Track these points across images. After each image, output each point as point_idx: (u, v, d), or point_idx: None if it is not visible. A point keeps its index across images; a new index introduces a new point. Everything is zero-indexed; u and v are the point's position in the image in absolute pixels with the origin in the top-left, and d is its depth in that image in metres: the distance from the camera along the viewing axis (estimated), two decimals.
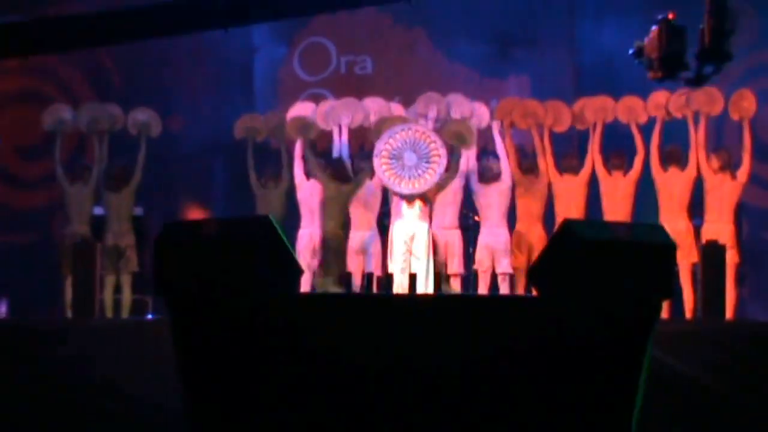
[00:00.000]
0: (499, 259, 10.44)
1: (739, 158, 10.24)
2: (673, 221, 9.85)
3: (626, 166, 10.51)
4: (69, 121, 11.09)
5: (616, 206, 10.38)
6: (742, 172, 10.21)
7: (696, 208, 10.37)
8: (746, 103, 10.34)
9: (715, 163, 10.25)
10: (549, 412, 4.84)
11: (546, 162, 10.61)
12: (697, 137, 10.30)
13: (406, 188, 9.98)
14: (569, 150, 10.95)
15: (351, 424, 4.83)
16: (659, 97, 10.56)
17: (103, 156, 10.93)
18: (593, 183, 10.62)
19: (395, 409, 4.82)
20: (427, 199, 10.08)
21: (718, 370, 7.96)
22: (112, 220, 10.75)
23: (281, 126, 10.93)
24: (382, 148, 9.99)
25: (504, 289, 10.41)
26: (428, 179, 9.96)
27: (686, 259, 9.97)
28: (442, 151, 10.01)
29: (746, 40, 12.07)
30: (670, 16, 6.42)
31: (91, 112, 11.12)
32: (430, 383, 4.85)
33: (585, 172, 10.57)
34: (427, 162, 9.95)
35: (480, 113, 10.81)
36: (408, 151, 9.91)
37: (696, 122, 10.36)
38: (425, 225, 10.04)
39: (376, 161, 9.99)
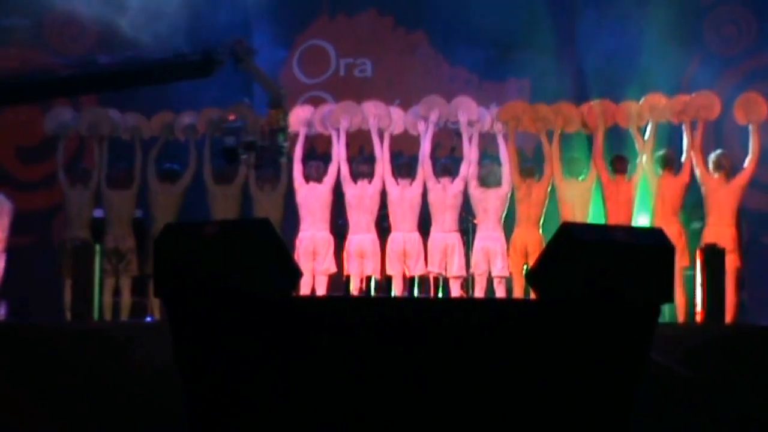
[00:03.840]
0: (495, 261, 10.44)
1: (741, 161, 10.22)
2: (665, 225, 9.81)
3: (628, 170, 10.50)
4: (70, 125, 11.10)
5: (619, 210, 10.35)
6: (743, 176, 10.17)
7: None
8: (759, 107, 10.29)
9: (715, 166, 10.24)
10: (547, 415, 4.83)
11: (552, 167, 10.57)
12: (694, 142, 10.29)
13: None
14: (575, 154, 10.92)
15: (349, 426, 4.83)
16: (654, 99, 10.54)
17: (103, 160, 10.95)
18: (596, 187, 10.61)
19: (393, 411, 4.82)
20: None
21: (717, 373, 7.94)
22: (112, 222, 10.75)
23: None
24: None
25: (500, 292, 10.41)
26: None
27: (677, 263, 9.93)
28: None
29: (745, 44, 12.11)
30: (231, 117, 8.82)
31: (92, 117, 11.13)
32: (428, 387, 4.85)
33: (589, 177, 10.55)
34: None
35: (484, 118, 10.81)
36: None
37: (693, 127, 10.36)
38: None
39: None
